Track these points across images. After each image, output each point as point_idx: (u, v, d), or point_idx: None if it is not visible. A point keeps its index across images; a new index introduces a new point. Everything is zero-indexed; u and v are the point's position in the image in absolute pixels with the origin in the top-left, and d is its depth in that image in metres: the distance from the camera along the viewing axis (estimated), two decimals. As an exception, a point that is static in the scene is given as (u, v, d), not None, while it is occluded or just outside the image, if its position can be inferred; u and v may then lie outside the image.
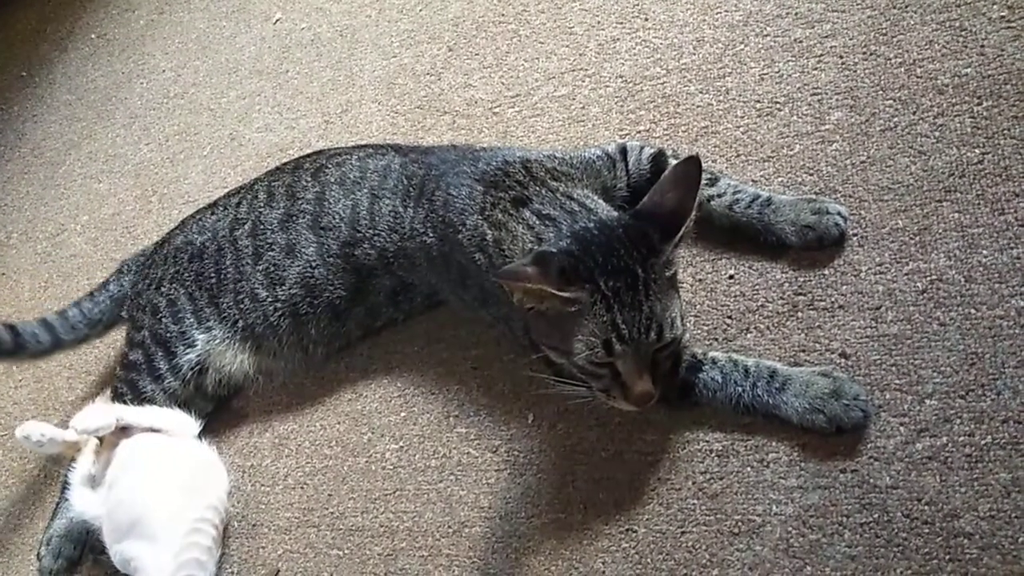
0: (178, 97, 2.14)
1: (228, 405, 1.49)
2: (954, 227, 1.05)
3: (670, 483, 1.07)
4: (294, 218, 1.36)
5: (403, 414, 1.32)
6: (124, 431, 1.34)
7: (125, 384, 1.44)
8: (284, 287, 1.35)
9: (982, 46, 1.16)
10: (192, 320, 1.41)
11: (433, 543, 1.19)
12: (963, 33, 1.18)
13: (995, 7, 1.18)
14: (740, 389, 1.02)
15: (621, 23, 1.52)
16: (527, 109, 1.54)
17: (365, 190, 1.32)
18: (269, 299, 1.36)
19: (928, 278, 1.04)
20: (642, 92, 1.42)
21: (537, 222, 1.08)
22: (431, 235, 1.22)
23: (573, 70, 1.53)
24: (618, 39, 1.51)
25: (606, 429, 1.15)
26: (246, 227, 1.41)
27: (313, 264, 1.33)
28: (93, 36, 2.48)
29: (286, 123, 1.87)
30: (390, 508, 1.25)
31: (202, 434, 1.40)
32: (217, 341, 1.40)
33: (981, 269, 1.02)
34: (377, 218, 1.29)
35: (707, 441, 1.07)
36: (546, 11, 1.64)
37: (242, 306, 1.38)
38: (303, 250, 1.34)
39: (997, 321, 0.98)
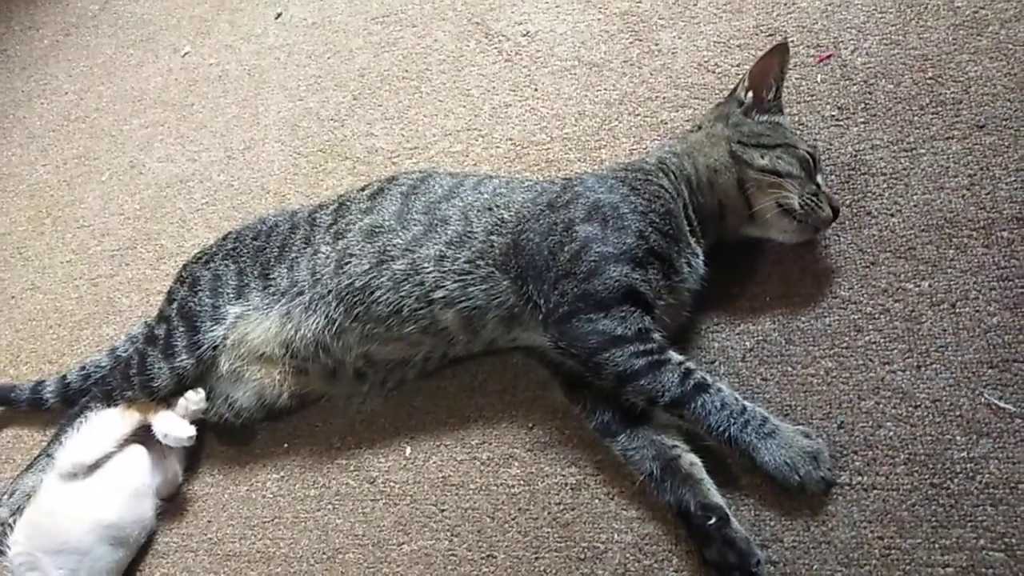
0: (79, 120, 2.14)
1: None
2: (779, 295, 1.22)
3: (528, 513, 1.18)
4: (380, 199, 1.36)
5: (285, 445, 1.39)
6: (148, 430, 1.36)
7: (136, 355, 1.42)
8: (345, 238, 1.32)
9: (815, 139, 1.35)
10: (231, 294, 1.38)
11: (308, 568, 1.25)
12: (800, 127, 1.37)
13: (828, 107, 1.38)
14: (732, 422, 1.06)
15: (514, 91, 1.66)
16: (424, 161, 1.65)
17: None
18: (325, 252, 1.32)
19: (755, 339, 1.20)
20: (528, 155, 1.56)
21: None
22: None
23: (468, 129, 1.66)
24: (510, 105, 1.65)
25: (476, 463, 1.25)
26: (330, 207, 1.41)
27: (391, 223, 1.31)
28: (-7, 51, 2.45)
29: (188, 155, 1.92)
30: (267, 535, 1.31)
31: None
32: (251, 307, 1.36)
33: (799, 333, 1.19)
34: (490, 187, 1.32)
35: (563, 475, 1.19)
36: (447, 72, 1.77)
37: (295, 269, 1.35)
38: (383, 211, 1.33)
39: (809, 379, 1.15)
